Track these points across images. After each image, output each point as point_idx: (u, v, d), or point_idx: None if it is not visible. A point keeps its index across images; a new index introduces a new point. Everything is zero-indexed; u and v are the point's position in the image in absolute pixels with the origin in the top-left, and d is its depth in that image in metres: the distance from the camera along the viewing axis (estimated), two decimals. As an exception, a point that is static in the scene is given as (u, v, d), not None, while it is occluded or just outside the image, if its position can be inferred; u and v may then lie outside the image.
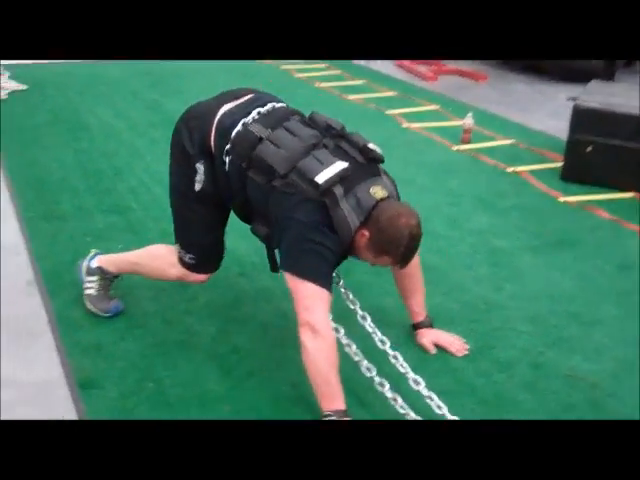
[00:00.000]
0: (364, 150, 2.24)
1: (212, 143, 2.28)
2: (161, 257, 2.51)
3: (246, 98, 2.36)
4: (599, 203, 3.96)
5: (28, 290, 2.86)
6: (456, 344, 2.56)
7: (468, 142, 4.90)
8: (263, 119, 2.26)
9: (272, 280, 2.73)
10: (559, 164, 4.47)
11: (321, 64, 7.22)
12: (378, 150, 2.29)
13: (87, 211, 3.55)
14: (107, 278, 2.65)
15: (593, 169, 4.19)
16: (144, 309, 2.73)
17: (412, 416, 2.16)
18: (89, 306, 2.66)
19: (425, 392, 2.23)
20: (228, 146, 2.24)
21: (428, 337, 2.56)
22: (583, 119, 4.18)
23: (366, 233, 2.13)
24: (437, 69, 7.14)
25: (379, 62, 7.50)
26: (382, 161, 2.31)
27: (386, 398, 2.21)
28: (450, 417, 2.16)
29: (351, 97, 5.98)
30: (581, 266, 3.28)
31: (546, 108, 6.07)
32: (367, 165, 2.23)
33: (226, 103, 2.33)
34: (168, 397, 2.26)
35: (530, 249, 3.40)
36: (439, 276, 3.09)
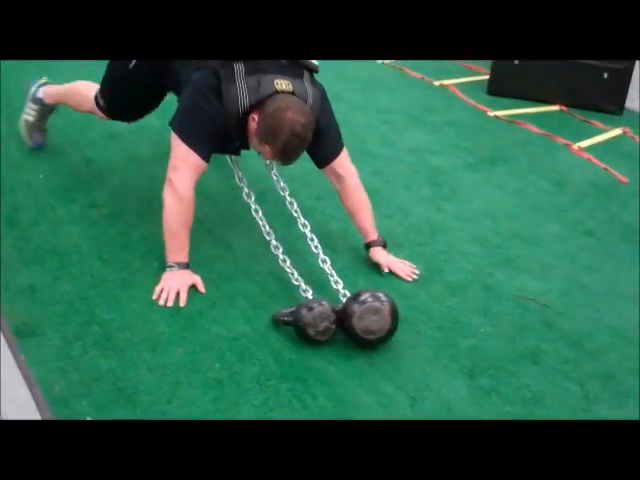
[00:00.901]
0: (293, 59, 2.26)
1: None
2: (85, 92, 2.74)
3: None
4: (528, 117, 3.96)
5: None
6: (406, 269, 2.54)
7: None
8: None
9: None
10: (485, 77, 4.43)
11: None
12: (310, 61, 2.30)
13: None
14: (45, 109, 2.91)
15: (519, 82, 4.17)
16: (78, 246, 2.54)
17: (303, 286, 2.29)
18: (23, 132, 2.96)
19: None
20: None
21: (383, 257, 2.53)
22: (511, 31, 4.11)
23: (255, 117, 2.17)
24: None
25: None
26: (312, 69, 2.32)
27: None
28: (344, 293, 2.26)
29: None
30: (518, 183, 3.28)
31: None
32: (288, 66, 2.25)
33: None
34: (116, 341, 2.12)
35: (467, 167, 3.38)
36: (380, 199, 3.02)
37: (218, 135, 2.22)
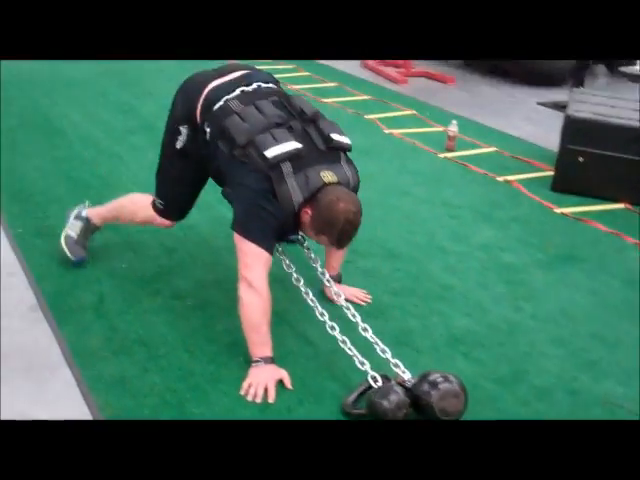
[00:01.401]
0: (327, 139, 2.42)
1: (198, 113, 2.52)
2: (138, 202, 2.85)
3: (236, 75, 2.58)
4: (594, 215, 3.97)
5: (32, 316, 2.68)
6: (359, 295, 2.85)
7: (453, 149, 4.87)
8: (243, 97, 2.48)
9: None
10: (547, 173, 4.48)
11: (288, 64, 7.11)
12: (343, 140, 2.48)
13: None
14: (90, 228, 2.99)
15: (584, 180, 4.20)
16: (164, 337, 2.59)
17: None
18: (62, 245, 2.95)
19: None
20: (209, 118, 2.49)
21: (330, 291, 2.70)
22: (575, 129, 4.19)
23: (309, 211, 2.32)
24: (405, 71, 7.10)
25: (343, 63, 7.43)
26: (346, 150, 2.50)
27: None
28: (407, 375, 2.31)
29: (327, 100, 5.89)
30: (590, 282, 3.27)
31: (519, 112, 6.11)
32: (326, 152, 2.41)
33: (218, 78, 2.57)
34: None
35: (539, 265, 3.38)
36: (456, 296, 3.03)
37: (278, 230, 2.37)
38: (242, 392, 2.31)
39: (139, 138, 4.46)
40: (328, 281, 2.64)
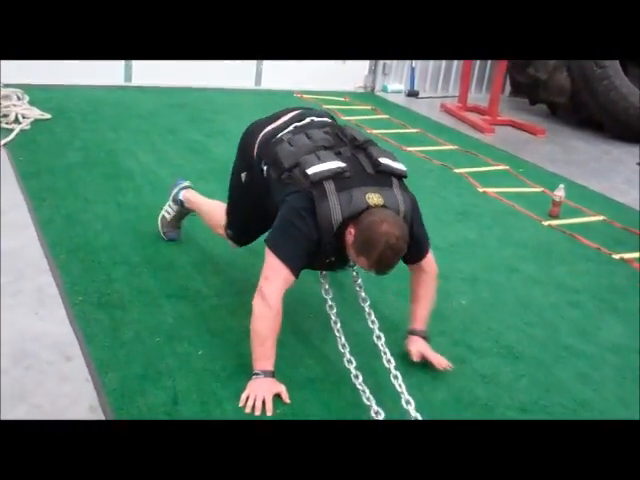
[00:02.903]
0: (375, 163, 2.40)
1: (254, 154, 2.60)
2: (215, 219, 3.01)
3: (290, 115, 2.64)
4: None
5: (92, 417, 2.22)
6: (441, 360, 2.59)
7: (557, 216, 4.34)
8: (296, 130, 2.54)
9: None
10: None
11: (366, 105, 6.68)
12: (395, 165, 2.43)
13: (150, 295, 2.91)
14: (183, 211, 3.23)
15: None
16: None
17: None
18: (159, 225, 3.29)
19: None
20: (264, 154, 2.54)
21: (418, 346, 2.60)
22: None
23: (352, 231, 2.28)
24: (491, 119, 6.60)
25: (423, 106, 7.00)
26: (399, 175, 2.44)
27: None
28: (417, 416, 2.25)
29: (410, 149, 5.42)
30: None
31: (619, 174, 5.59)
32: (375, 176, 2.38)
33: (272, 123, 2.64)
34: None
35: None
36: (596, 415, 2.50)
37: (311, 250, 2.32)
38: (240, 404, 2.29)
39: (212, 185, 4.02)
40: (369, 314, 2.56)
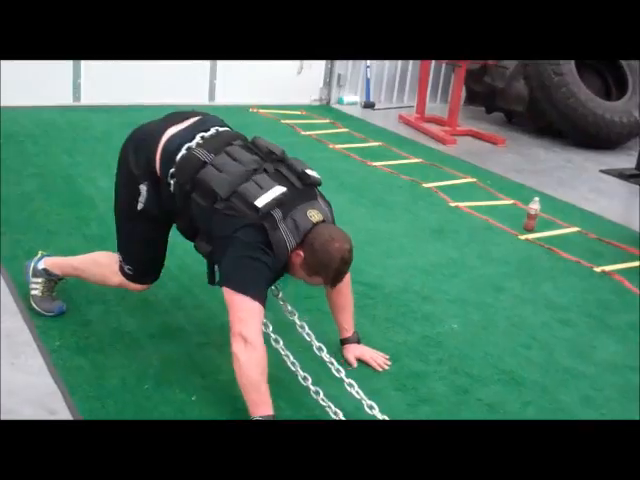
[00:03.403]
0: (302, 175, 2.36)
1: (157, 166, 2.38)
2: (104, 265, 2.65)
3: (191, 122, 2.45)
4: None
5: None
6: (379, 359, 2.68)
7: (532, 229, 4.30)
8: (206, 144, 2.37)
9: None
10: (644, 262, 3.92)
11: (324, 119, 6.58)
12: (316, 175, 2.40)
13: (130, 336, 2.73)
14: (52, 280, 2.79)
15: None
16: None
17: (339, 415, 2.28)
18: (34, 306, 2.79)
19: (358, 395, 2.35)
20: (173, 169, 2.35)
21: (353, 352, 2.68)
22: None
23: (301, 254, 2.26)
24: (451, 130, 6.56)
25: (380, 118, 6.94)
26: (319, 184, 2.42)
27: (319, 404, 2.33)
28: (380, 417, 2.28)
29: (376, 164, 5.33)
30: None
31: (584, 182, 5.61)
32: (304, 189, 2.36)
33: (171, 126, 2.42)
34: None
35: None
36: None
37: (271, 279, 2.33)
38: None
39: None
40: (301, 326, 2.53)
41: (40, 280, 2.77)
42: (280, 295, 2.58)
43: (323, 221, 2.31)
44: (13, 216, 3.66)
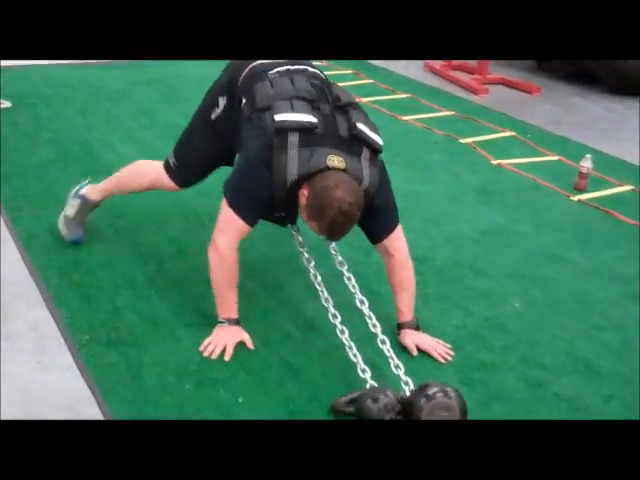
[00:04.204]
0: (351, 126, 2.26)
1: (239, 83, 2.41)
2: (142, 168, 2.81)
3: (284, 60, 2.43)
4: None
5: None
6: (439, 348, 2.46)
7: (584, 189, 4.00)
8: (285, 72, 2.37)
9: None
10: None
11: (346, 69, 6.22)
12: (371, 135, 2.28)
13: (165, 325, 2.49)
14: (87, 206, 2.89)
15: None
16: None
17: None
18: (60, 224, 2.90)
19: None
20: (247, 87, 2.38)
21: (411, 338, 2.47)
22: None
23: (305, 193, 2.19)
24: (482, 78, 6.20)
25: (403, 67, 6.57)
26: (374, 148, 2.29)
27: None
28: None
29: (407, 118, 5.01)
30: None
31: (628, 133, 5.24)
32: (347, 140, 2.25)
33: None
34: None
35: None
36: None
37: (265, 204, 2.27)
38: (200, 348, 2.33)
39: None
40: (354, 287, 2.41)
41: (76, 203, 2.89)
42: (332, 244, 2.47)
43: (344, 170, 2.18)
44: (32, 188, 3.40)
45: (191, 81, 5.39)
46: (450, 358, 2.44)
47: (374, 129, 2.32)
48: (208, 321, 2.50)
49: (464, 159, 4.37)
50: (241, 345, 2.40)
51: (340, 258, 2.46)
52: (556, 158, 4.49)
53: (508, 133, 4.90)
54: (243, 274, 2.43)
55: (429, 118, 5.08)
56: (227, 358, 2.31)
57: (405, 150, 4.40)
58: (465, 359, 2.45)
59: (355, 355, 2.23)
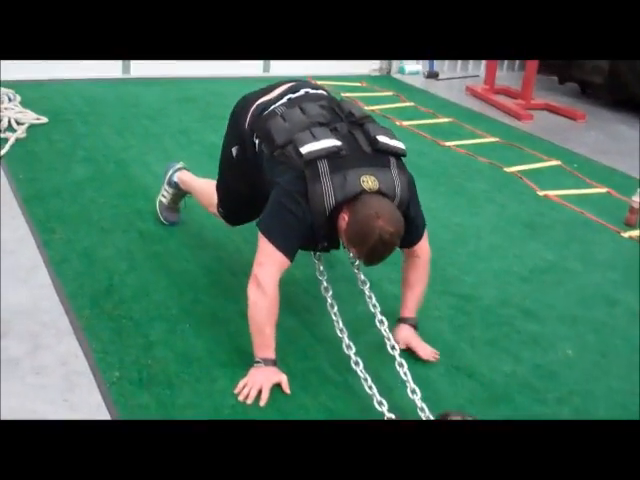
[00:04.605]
0: (373, 141, 2.26)
1: (246, 126, 2.45)
2: (208, 198, 2.87)
3: (282, 89, 2.50)
4: None
5: None
6: (427, 350, 2.50)
7: (635, 225, 3.83)
8: (289, 102, 2.40)
9: None
10: None
11: (387, 91, 6.11)
12: (393, 144, 2.30)
13: (200, 364, 2.38)
14: (180, 193, 3.11)
15: None
16: None
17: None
18: (158, 210, 3.19)
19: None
20: (257, 127, 2.40)
21: (404, 333, 2.51)
22: None
23: (345, 217, 2.18)
24: (525, 104, 6.05)
25: (445, 89, 6.45)
26: (398, 154, 2.31)
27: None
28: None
29: (449, 144, 4.87)
30: None
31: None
32: (373, 155, 2.26)
33: (263, 96, 2.51)
34: None
35: None
36: None
37: (305, 234, 2.24)
38: (236, 391, 2.23)
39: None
40: (374, 307, 2.39)
41: (171, 190, 3.11)
42: (357, 263, 2.45)
43: (379, 191, 2.18)
44: (65, 209, 3.33)
45: (228, 99, 5.29)
46: (434, 360, 2.49)
47: (393, 136, 2.35)
48: (244, 360, 2.38)
49: (510, 189, 4.22)
50: (277, 388, 2.28)
51: (362, 277, 2.46)
52: (604, 190, 4.32)
53: (554, 162, 4.75)
54: (280, 310, 2.32)
55: (472, 144, 4.94)
56: (262, 403, 2.21)
57: (448, 178, 4.27)
58: (515, 410, 2.30)
59: (370, 387, 2.20)
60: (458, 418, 1.98)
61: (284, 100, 2.44)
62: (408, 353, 2.48)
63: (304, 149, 2.20)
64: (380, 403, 2.14)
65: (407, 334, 2.51)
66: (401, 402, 2.22)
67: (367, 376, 2.22)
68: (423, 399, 2.16)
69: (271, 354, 2.29)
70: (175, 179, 3.08)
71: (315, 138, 2.22)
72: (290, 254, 2.25)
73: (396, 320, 2.53)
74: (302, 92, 2.48)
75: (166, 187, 3.13)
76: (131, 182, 3.73)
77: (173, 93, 5.37)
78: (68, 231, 3.12)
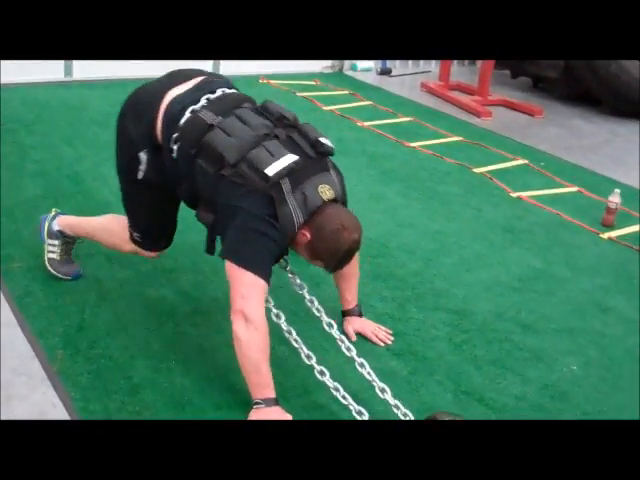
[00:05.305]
0: (315, 144, 2.21)
1: (158, 131, 2.23)
2: (116, 233, 2.54)
3: (195, 82, 2.29)
4: None
5: None
6: (380, 334, 2.55)
7: (612, 226, 3.77)
8: (213, 106, 2.23)
9: None
10: None
11: (342, 90, 5.96)
12: (329, 144, 2.25)
13: (192, 408, 2.18)
14: (68, 242, 2.70)
15: None
16: None
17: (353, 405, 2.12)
18: (52, 270, 2.70)
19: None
20: (176, 134, 2.20)
21: (353, 325, 2.56)
22: None
23: (307, 235, 2.13)
24: (482, 100, 5.98)
25: (399, 87, 6.35)
26: (332, 154, 2.27)
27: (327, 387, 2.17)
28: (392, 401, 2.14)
29: (414, 144, 4.75)
30: None
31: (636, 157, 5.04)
32: (317, 159, 2.21)
33: (173, 87, 2.26)
34: None
35: None
36: None
37: (278, 255, 2.20)
38: None
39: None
40: (317, 310, 2.36)
41: (57, 242, 2.68)
42: (289, 268, 2.40)
43: (334, 199, 2.16)
44: (21, 232, 3.05)
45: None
46: (390, 342, 2.53)
47: (322, 134, 2.27)
48: (240, 399, 2.20)
49: (482, 191, 4.12)
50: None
51: (299, 281, 2.42)
52: (575, 189, 4.27)
53: (520, 161, 4.68)
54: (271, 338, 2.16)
55: (437, 144, 4.84)
56: None
57: (419, 182, 4.14)
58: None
59: (344, 397, 2.15)
60: (447, 418, 1.96)
61: (203, 102, 2.23)
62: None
63: (269, 171, 2.08)
64: (360, 413, 2.10)
65: (356, 326, 2.56)
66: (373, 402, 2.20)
67: (337, 385, 2.16)
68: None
69: (271, 393, 2.11)
70: (56, 228, 2.67)
71: (274, 157, 2.11)
72: (269, 278, 2.13)
73: (341, 315, 2.57)
74: (220, 93, 2.29)
75: (49, 242, 2.68)
76: (88, 198, 3.47)
77: (119, 95, 4.96)
78: (27, 258, 2.86)
